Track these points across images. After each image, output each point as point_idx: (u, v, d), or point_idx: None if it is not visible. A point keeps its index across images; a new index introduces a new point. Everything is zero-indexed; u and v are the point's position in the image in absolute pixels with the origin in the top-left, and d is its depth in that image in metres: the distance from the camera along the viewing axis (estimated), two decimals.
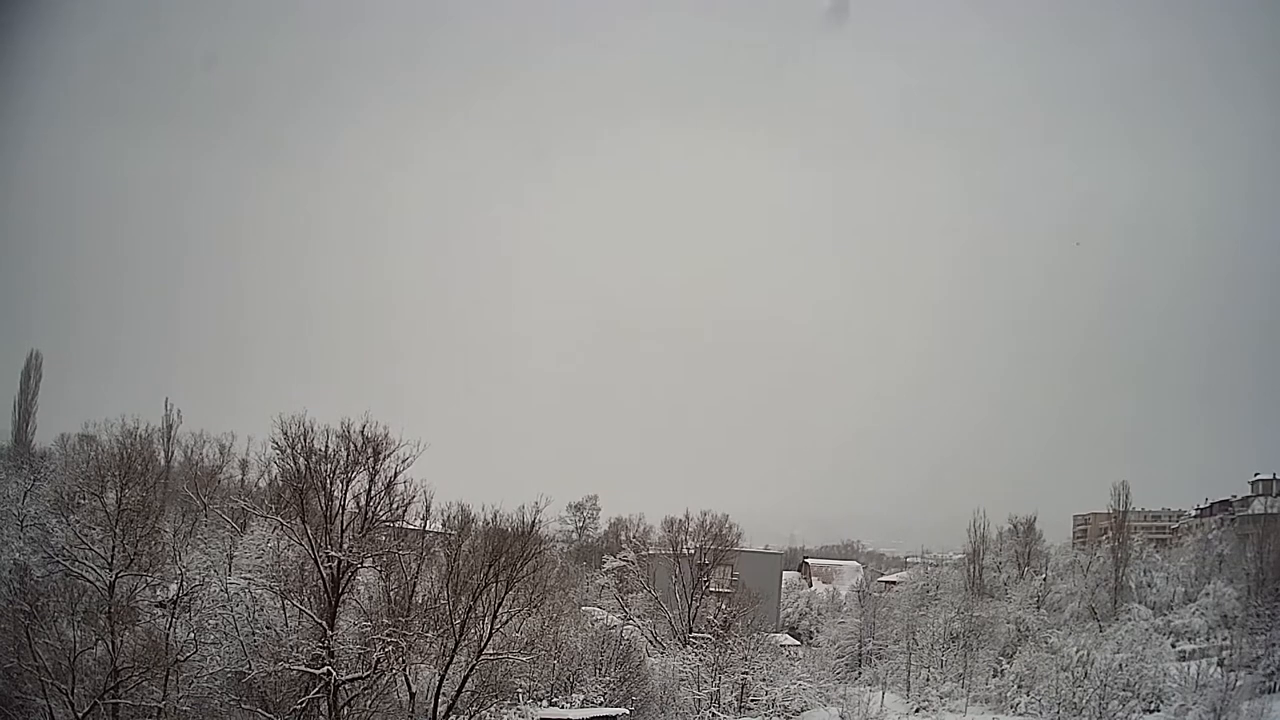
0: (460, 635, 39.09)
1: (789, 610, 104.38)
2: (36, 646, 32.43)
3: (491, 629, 39.95)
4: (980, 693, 71.07)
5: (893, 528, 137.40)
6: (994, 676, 72.25)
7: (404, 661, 37.22)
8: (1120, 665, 63.28)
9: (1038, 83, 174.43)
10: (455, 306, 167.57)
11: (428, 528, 45.64)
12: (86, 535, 36.28)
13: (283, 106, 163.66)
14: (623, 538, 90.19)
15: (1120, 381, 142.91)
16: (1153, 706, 61.61)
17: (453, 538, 44.17)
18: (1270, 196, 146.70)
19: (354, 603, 39.43)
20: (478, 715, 39.61)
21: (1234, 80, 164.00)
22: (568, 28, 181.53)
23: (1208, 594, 76.39)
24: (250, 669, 36.30)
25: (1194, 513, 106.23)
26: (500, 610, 40.40)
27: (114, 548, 35.12)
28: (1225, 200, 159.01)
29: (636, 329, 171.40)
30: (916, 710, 69.61)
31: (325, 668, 35.43)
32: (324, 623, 36.32)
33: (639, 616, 76.69)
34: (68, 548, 36.37)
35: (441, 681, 39.28)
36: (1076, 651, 66.84)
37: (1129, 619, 73.78)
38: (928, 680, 73.96)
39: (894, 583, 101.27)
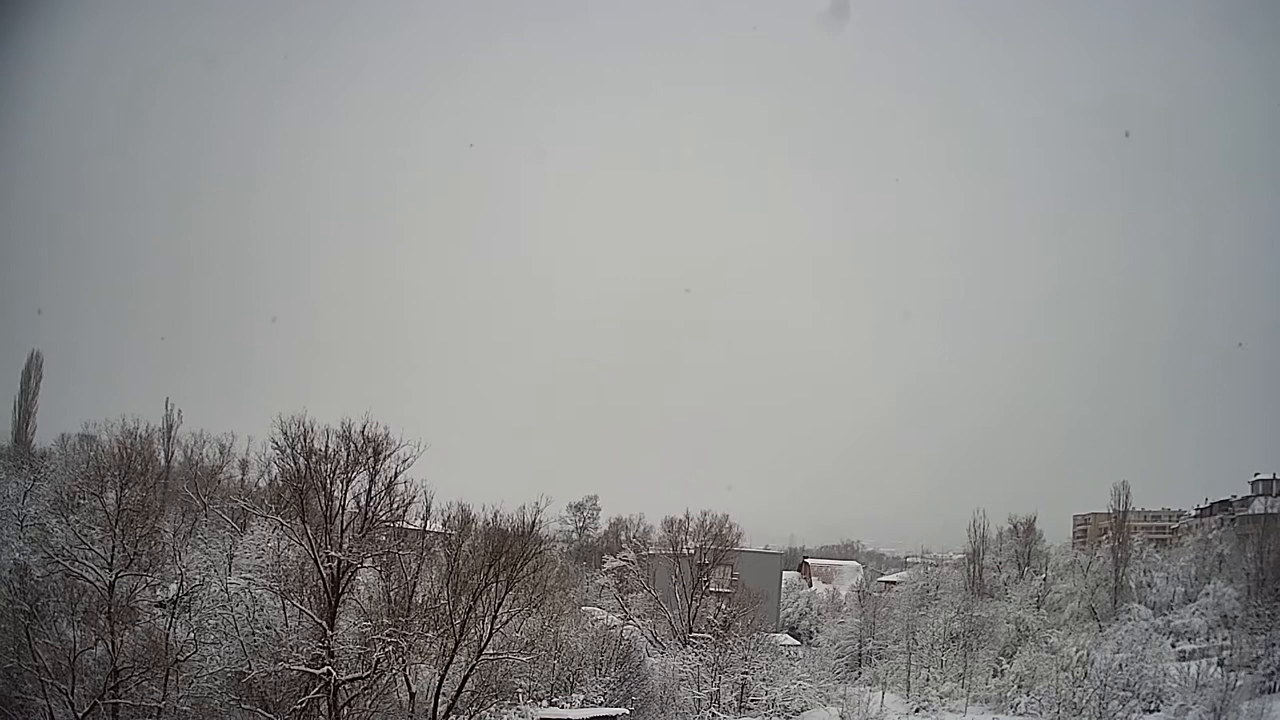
0: (460, 635, 39.06)
1: (789, 610, 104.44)
2: (36, 646, 32.45)
3: (491, 629, 39.91)
4: (980, 693, 71.12)
5: (893, 528, 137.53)
6: (994, 676, 72.31)
7: (404, 661, 37.20)
8: (1120, 665, 63.30)
9: (1042, 80, 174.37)
10: (456, 307, 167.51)
11: (428, 528, 45.68)
12: (86, 535, 36.25)
13: (284, 104, 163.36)
14: (623, 538, 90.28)
15: (1120, 381, 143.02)
16: (1153, 706, 61.62)
17: (453, 538, 44.18)
18: (1271, 196, 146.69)
19: (354, 603, 39.41)
20: (478, 715, 39.57)
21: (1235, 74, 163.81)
22: (563, 24, 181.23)
23: (1208, 594, 76.38)
24: (250, 669, 36.26)
25: (1194, 513, 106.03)
26: (500, 610, 40.35)
27: (114, 548, 35.09)
28: (1225, 199, 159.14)
29: (638, 329, 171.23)
30: (916, 710, 69.64)
31: (325, 668, 35.42)
32: (324, 623, 36.31)
33: (639, 616, 76.73)
34: (68, 548, 36.29)
35: (441, 681, 39.26)
36: (1076, 651, 66.93)
37: (1129, 619, 73.82)
38: (928, 680, 73.99)
39: (894, 583, 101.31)
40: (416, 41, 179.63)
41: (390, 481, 38.98)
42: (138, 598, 37.52)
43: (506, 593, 40.55)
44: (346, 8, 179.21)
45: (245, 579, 41.04)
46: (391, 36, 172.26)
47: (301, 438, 38.08)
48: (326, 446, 38.25)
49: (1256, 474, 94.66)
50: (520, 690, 44.56)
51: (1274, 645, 65.03)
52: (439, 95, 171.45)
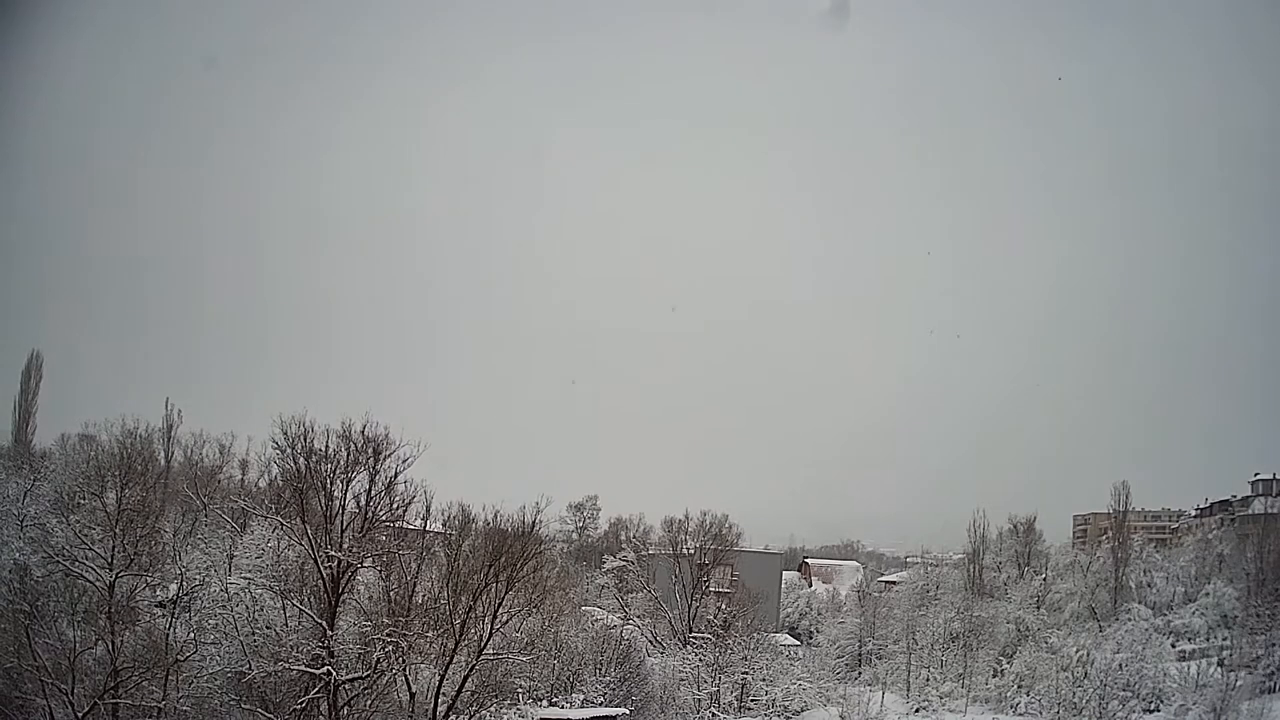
0: (460, 635, 39.07)
1: (789, 610, 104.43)
2: (36, 646, 32.46)
3: (491, 629, 39.92)
4: (980, 693, 71.10)
5: (893, 528, 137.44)
6: (994, 676, 72.30)
7: (404, 661, 37.21)
8: (1120, 665, 63.29)
9: (1039, 81, 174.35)
10: (457, 309, 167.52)
11: (428, 528, 45.67)
12: (86, 535, 36.23)
13: (289, 101, 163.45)
14: (623, 538, 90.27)
15: (1120, 382, 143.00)
16: (1153, 706, 61.62)
17: (453, 538, 44.18)
18: (1269, 195, 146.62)
19: (354, 603, 39.42)
20: (478, 715, 39.58)
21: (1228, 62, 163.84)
22: (565, 24, 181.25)
23: (1208, 594, 76.39)
24: (250, 669, 36.29)
25: (1194, 513, 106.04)
26: (500, 610, 40.36)
27: (114, 548, 35.06)
28: (1226, 197, 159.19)
29: (637, 329, 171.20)
30: (916, 710, 69.64)
31: (325, 668, 35.42)
32: (324, 623, 36.31)
33: (639, 616, 76.70)
34: (68, 548, 36.29)
35: (441, 681, 39.26)
36: (1076, 651, 66.89)
37: (1129, 619, 73.81)
38: (928, 680, 73.99)
39: (894, 583, 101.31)
40: (428, 47, 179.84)
41: (390, 481, 39.00)
42: (138, 598, 37.51)
43: (506, 593, 40.56)
44: (360, 9, 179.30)
45: (245, 579, 41.05)
46: (404, 40, 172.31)
47: (301, 438, 38.10)
48: (326, 446, 38.31)
49: (1256, 474, 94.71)
50: (520, 690, 44.56)
51: (1274, 645, 65.02)
52: (447, 102, 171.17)
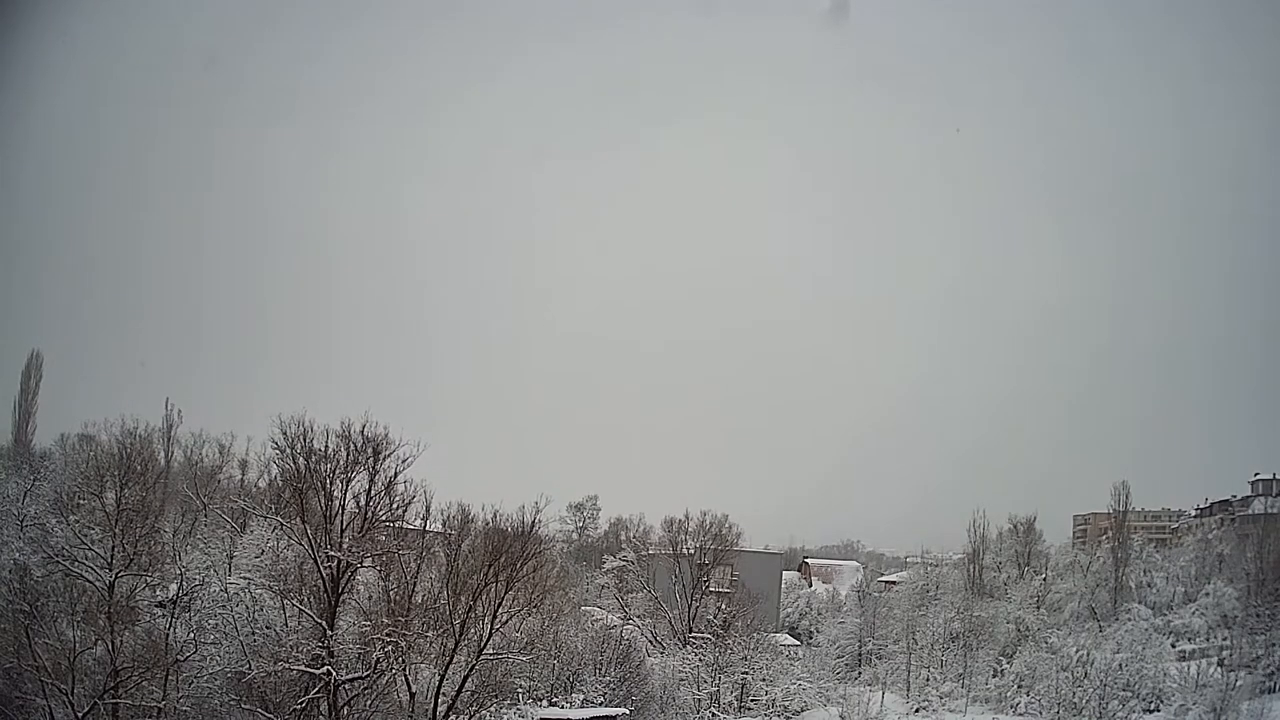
0: (460, 635, 39.11)
1: (789, 610, 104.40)
2: (36, 646, 32.48)
3: (491, 629, 39.97)
4: (980, 693, 71.05)
5: (893, 528, 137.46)
6: (994, 676, 72.26)
7: (404, 661, 37.24)
8: (1120, 665, 63.27)
9: (1038, 85, 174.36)
10: (458, 310, 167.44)
11: (427, 528, 45.69)
12: (86, 535, 36.31)
13: (290, 102, 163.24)
14: (623, 538, 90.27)
15: (1120, 382, 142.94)
16: (1153, 706, 61.60)
17: (452, 538, 44.20)
18: (1272, 187, 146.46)
19: (354, 603, 39.47)
20: (478, 715, 39.61)
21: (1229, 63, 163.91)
22: (562, 27, 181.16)
23: (1208, 594, 76.37)
24: (250, 669, 36.31)
25: (1194, 513, 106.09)
26: (500, 610, 40.41)
27: (114, 548, 35.13)
28: (1225, 197, 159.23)
29: (638, 330, 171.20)
30: (916, 710, 69.59)
31: (325, 668, 35.43)
32: (324, 623, 36.32)
33: (639, 616, 76.73)
34: (68, 548, 36.35)
35: (441, 681, 39.30)
36: (1076, 651, 66.82)
37: (1129, 619, 73.82)
38: (928, 680, 73.94)
39: (894, 583, 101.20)
40: (430, 49, 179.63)
41: (390, 481, 39.08)
42: (138, 598, 37.56)
43: (506, 593, 40.61)
44: (361, 13, 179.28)
45: (245, 579, 41.13)
46: (406, 43, 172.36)
47: (301, 438, 38.18)
48: (326, 446, 38.38)
49: (1256, 474, 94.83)
50: (520, 690, 44.60)
51: (1274, 645, 65.03)
52: (448, 104, 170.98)
